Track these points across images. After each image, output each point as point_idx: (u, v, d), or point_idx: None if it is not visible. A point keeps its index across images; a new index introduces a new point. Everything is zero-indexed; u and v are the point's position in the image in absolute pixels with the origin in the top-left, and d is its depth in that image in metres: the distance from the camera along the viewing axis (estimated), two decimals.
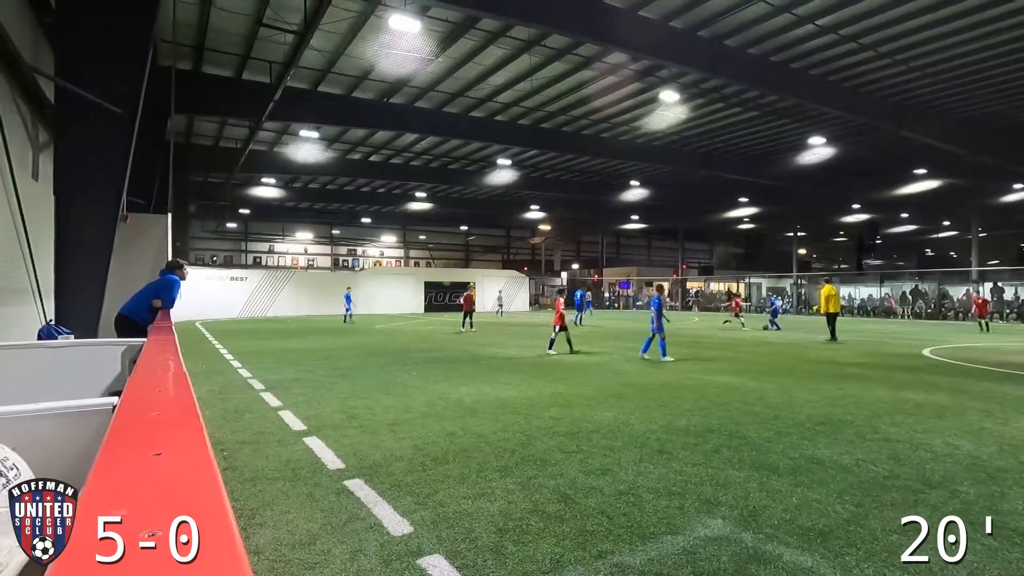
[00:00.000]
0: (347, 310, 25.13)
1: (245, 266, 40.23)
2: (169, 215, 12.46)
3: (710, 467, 4.15)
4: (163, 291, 6.17)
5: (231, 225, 40.78)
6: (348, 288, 27.16)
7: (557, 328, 12.08)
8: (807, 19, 13.23)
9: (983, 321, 19.91)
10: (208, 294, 28.01)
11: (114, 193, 7.45)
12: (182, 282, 6.45)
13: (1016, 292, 29.79)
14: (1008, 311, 28.40)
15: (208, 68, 16.20)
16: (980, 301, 20.84)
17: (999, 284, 30.08)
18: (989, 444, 4.75)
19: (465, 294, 19.77)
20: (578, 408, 6.28)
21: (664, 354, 10.64)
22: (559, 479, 3.90)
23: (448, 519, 3.23)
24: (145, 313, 5.93)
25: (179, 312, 6.64)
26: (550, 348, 11.97)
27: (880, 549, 2.84)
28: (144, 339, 3.52)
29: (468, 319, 18.86)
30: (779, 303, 22.69)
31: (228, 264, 39.62)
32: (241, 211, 37.84)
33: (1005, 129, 20.69)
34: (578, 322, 22.52)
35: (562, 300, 12.93)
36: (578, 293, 25.76)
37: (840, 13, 12.95)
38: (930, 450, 4.57)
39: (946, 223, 40.90)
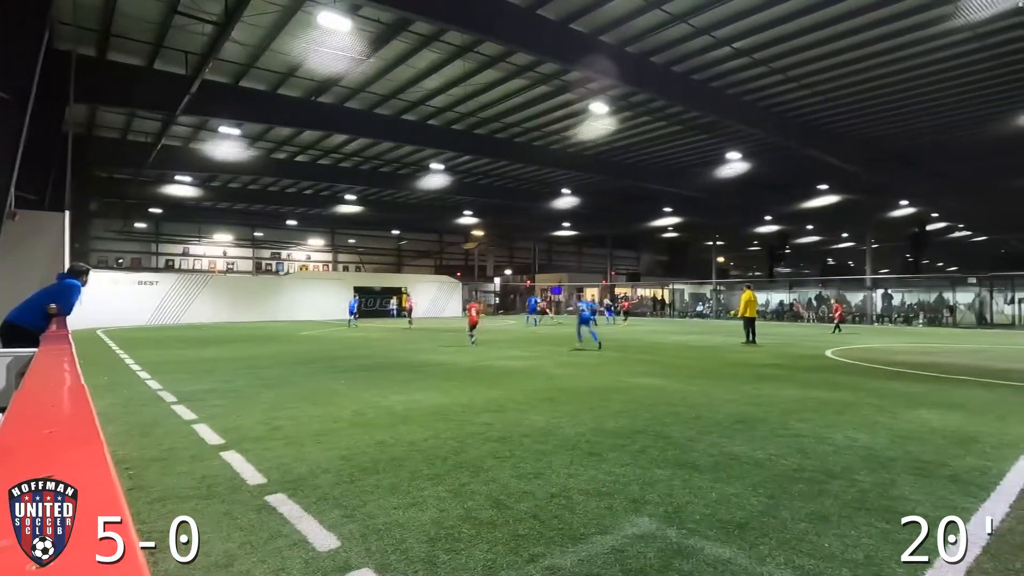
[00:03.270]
0: (352, 315, 26.64)
1: (156, 269, 37.37)
2: (67, 213, 11.33)
3: (637, 467, 4.29)
4: (62, 296, 5.62)
5: (140, 225, 37.71)
6: (356, 296, 30.50)
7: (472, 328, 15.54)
8: (724, 42, 14.10)
9: (838, 324, 22.51)
10: (112, 299, 25.78)
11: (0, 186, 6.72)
12: (83, 288, 5.90)
13: (903, 298, 33.09)
14: (896, 315, 31.47)
15: (115, 55, 14.97)
16: (837, 307, 23.96)
17: (888, 291, 33.29)
18: (882, 436, 5.22)
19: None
20: (511, 413, 6.31)
21: (581, 338, 14.24)
22: (492, 485, 3.89)
23: (378, 531, 3.14)
24: (38, 320, 5.36)
25: (77, 319, 6.07)
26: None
27: (790, 537, 3.05)
28: (34, 349, 3.20)
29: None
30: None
31: (136, 267, 36.63)
32: (152, 210, 35.09)
33: (894, 151, 22.99)
34: (534, 323, 26.92)
35: (477, 305, 16.86)
36: (531, 300, 30.47)
37: (754, 38, 13.90)
38: (832, 443, 4.97)
39: (845, 235, 44.86)
